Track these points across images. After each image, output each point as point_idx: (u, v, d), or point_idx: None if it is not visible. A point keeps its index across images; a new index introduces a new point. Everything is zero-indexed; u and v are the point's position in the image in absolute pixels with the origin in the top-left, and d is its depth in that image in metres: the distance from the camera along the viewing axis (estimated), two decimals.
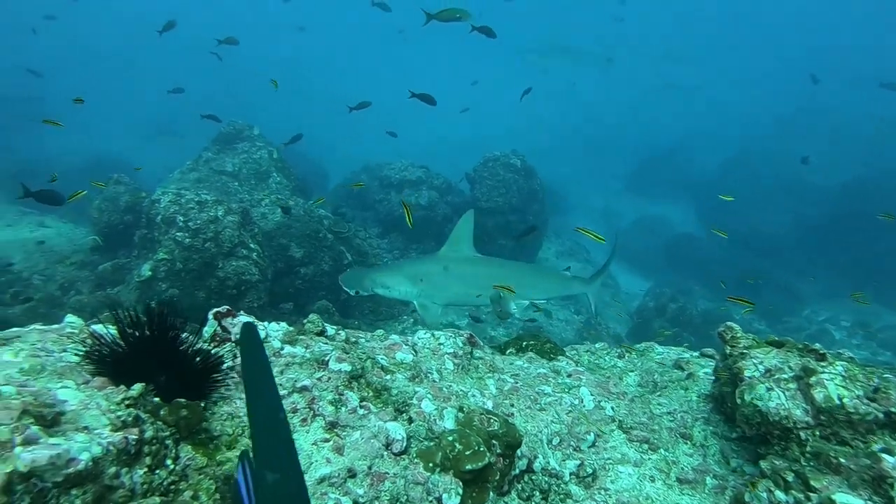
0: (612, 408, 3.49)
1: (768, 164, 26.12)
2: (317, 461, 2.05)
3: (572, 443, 3.08)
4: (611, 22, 40.03)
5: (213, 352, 2.19)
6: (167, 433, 1.69)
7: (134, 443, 1.55)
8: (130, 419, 1.61)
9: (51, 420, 1.48)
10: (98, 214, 11.26)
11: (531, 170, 15.28)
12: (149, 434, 1.62)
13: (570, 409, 3.29)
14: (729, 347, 3.25)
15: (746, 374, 2.96)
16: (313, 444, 2.10)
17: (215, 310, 2.57)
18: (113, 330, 2.29)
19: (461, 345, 3.46)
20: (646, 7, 44.93)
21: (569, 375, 3.82)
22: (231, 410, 2.09)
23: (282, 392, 2.28)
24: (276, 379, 2.35)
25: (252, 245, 9.00)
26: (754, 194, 23.34)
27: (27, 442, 1.34)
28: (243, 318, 2.55)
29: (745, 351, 3.12)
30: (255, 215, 10.12)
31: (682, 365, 4.21)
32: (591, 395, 3.55)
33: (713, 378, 3.64)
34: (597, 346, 5.07)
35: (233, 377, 2.21)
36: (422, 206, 14.29)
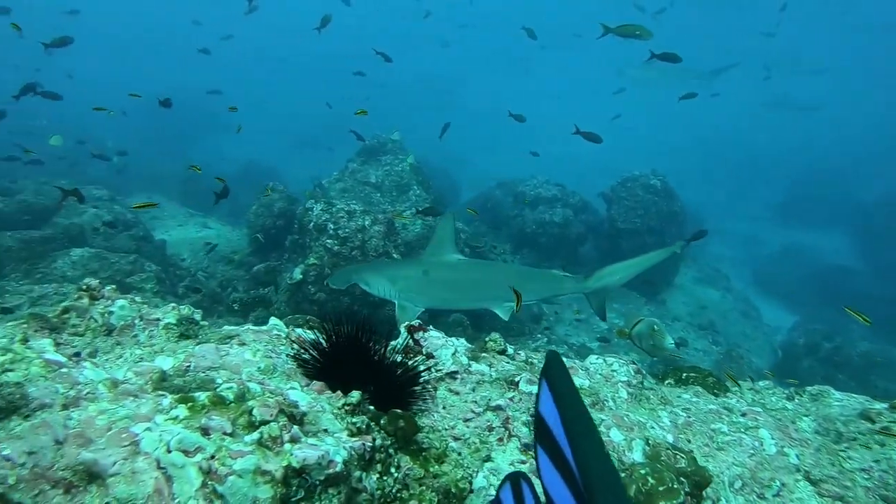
0: (797, 455, 3.22)
1: None
2: None
3: (756, 489, 2.88)
4: (760, 37, 37.50)
5: (411, 364, 2.26)
6: (389, 442, 1.76)
7: (369, 449, 1.63)
8: (363, 426, 1.70)
9: (299, 420, 1.59)
10: (254, 218, 12.17)
11: (672, 191, 14.66)
12: (378, 442, 1.69)
13: (752, 451, 3.07)
14: None
15: None
16: (510, 464, 2.11)
17: (407, 323, 2.66)
18: (312, 335, 2.42)
19: (633, 373, 3.36)
20: (800, 18, 41.33)
21: (743, 414, 3.57)
22: (431, 423, 2.15)
23: (477, 409, 2.32)
24: (470, 396, 2.39)
25: (395, 255, 9.33)
26: None
27: (293, 440, 1.44)
28: (433, 332, 2.62)
29: None
30: (397, 225, 10.49)
31: (872, 416, 3.79)
32: (772, 438, 3.30)
33: None
34: (760, 383, 4.73)
35: (429, 391, 2.28)
36: (555, 223, 14.14)
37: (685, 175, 26.07)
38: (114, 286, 2.51)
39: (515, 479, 1.13)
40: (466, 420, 2.30)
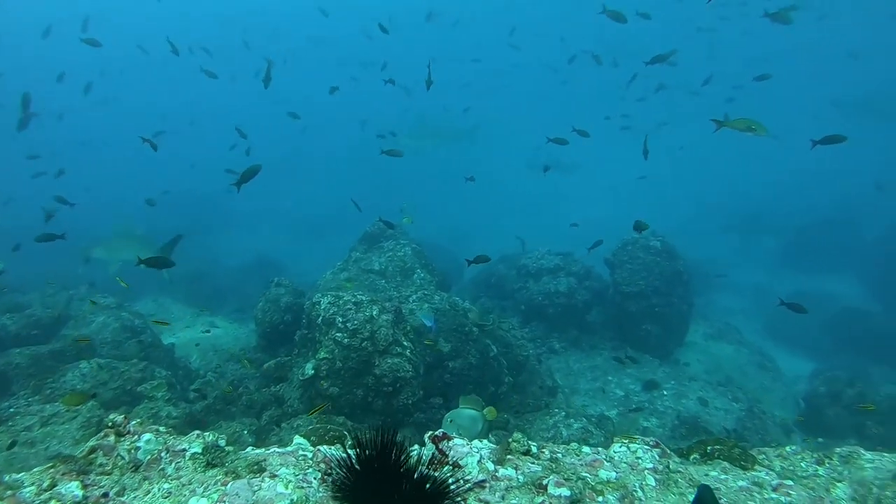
0: None
1: None
2: None
3: None
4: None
5: (439, 477, 2.27)
6: None
7: None
8: None
9: None
10: (262, 314, 12.24)
11: (673, 250, 14.80)
12: None
13: None
14: None
15: None
16: None
17: (431, 433, 2.69)
18: (339, 452, 2.44)
19: (658, 458, 3.33)
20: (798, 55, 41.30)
21: (774, 490, 3.51)
22: None
23: None
24: None
25: (405, 342, 9.34)
26: None
27: None
28: (458, 441, 2.64)
29: None
30: (404, 311, 10.54)
31: None
32: None
33: None
34: (787, 449, 4.64)
35: (459, 503, 2.28)
36: (561, 293, 14.21)
37: (685, 232, 26.34)
38: (139, 420, 2.55)
39: None
40: None
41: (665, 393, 12.86)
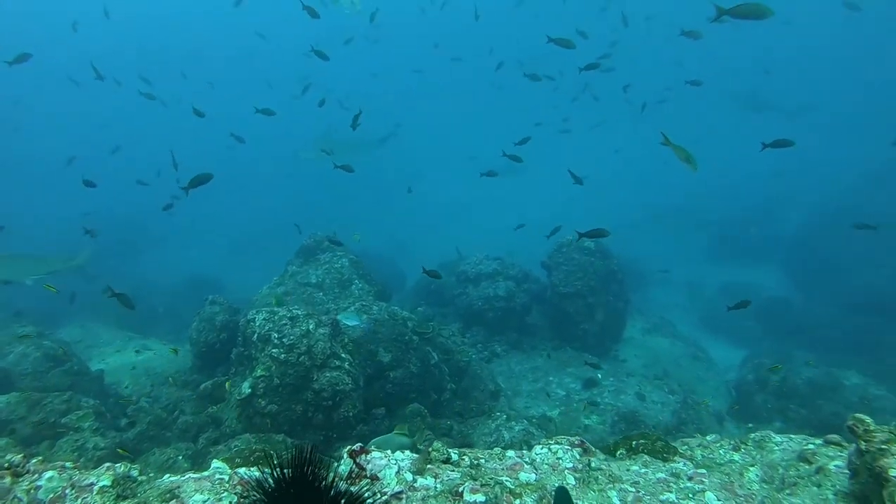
0: None
1: (861, 216, 24.82)
2: None
3: None
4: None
5: (356, 492, 2.30)
6: None
7: None
8: None
9: None
10: (196, 335, 11.90)
11: (606, 250, 15.24)
12: None
13: None
14: (864, 443, 3.09)
15: (892, 473, 2.80)
16: None
17: (350, 448, 2.70)
18: (256, 474, 2.44)
19: (578, 457, 3.45)
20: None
21: (689, 479, 3.69)
22: None
23: None
24: None
25: (343, 355, 9.28)
26: (850, 248, 22.11)
27: None
28: (376, 454, 2.66)
29: (883, 447, 2.96)
30: (342, 326, 10.47)
31: (808, 457, 3.98)
32: (718, 500, 3.42)
33: (849, 473, 3.43)
34: (708, 438, 4.88)
35: None
36: (500, 297, 14.41)
37: (621, 231, 27.04)
38: (40, 458, 2.47)
39: None
40: None
41: (605, 392, 13.20)
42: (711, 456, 4.50)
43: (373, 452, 2.69)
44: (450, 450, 2.98)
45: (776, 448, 4.39)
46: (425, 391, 10.56)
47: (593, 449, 3.94)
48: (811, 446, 4.21)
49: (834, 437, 4.39)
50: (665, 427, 12.21)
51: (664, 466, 3.94)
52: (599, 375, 13.41)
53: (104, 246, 25.04)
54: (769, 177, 33.08)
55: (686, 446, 4.72)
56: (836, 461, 3.82)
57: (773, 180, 32.68)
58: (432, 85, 47.40)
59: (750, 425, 13.47)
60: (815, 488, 3.62)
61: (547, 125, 27.52)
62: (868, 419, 3.22)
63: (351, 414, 9.01)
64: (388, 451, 2.76)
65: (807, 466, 3.92)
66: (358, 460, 2.64)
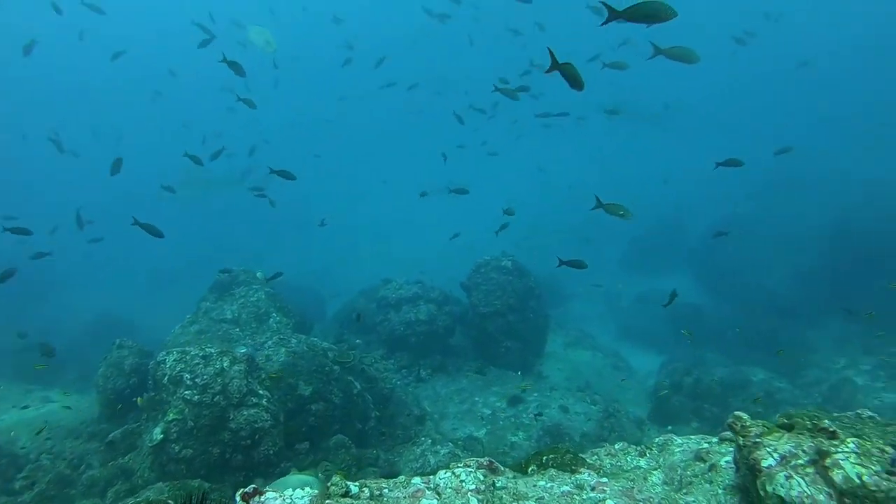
0: None
1: (758, 222, 26.58)
2: None
3: None
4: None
5: None
6: None
7: None
8: None
9: None
10: (103, 382, 11.31)
11: (523, 268, 15.60)
12: None
13: None
14: (741, 438, 3.30)
15: (763, 464, 3.01)
16: None
17: (242, 490, 2.64)
18: None
19: (482, 478, 3.49)
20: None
21: (592, 489, 3.80)
22: None
23: None
24: None
25: (261, 391, 9.02)
26: (751, 253, 23.64)
27: None
28: (270, 494, 2.61)
29: (757, 440, 3.17)
30: (260, 358, 10.19)
31: (703, 456, 4.20)
32: None
33: (735, 468, 3.65)
34: (616, 446, 5.04)
35: None
36: (422, 321, 14.43)
37: (541, 247, 27.84)
38: None
39: None
40: None
41: (530, 407, 13.40)
42: (619, 463, 4.66)
43: (267, 493, 2.64)
44: (349, 483, 2.96)
45: (677, 450, 4.60)
46: (349, 421, 10.40)
47: (502, 468, 4.00)
48: (706, 445, 4.45)
49: (727, 434, 4.64)
50: (589, 437, 12.51)
51: (570, 479, 4.05)
52: (523, 392, 13.61)
53: None
54: (659, 184, 34.96)
55: (595, 457, 4.87)
56: (727, 457, 4.05)
57: (663, 187, 34.59)
58: (353, 113, 47.53)
59: (669, 428, 14.00)
60: (707, 485, 3.82)
61: (470, 147, 28.14)
62: (745, 416, 3.44)
63: (272, 451, 8.76)
64: (285, 492, 2.72)
65: (701, 465, 4.13)
66: (251, 502, 2.58)
